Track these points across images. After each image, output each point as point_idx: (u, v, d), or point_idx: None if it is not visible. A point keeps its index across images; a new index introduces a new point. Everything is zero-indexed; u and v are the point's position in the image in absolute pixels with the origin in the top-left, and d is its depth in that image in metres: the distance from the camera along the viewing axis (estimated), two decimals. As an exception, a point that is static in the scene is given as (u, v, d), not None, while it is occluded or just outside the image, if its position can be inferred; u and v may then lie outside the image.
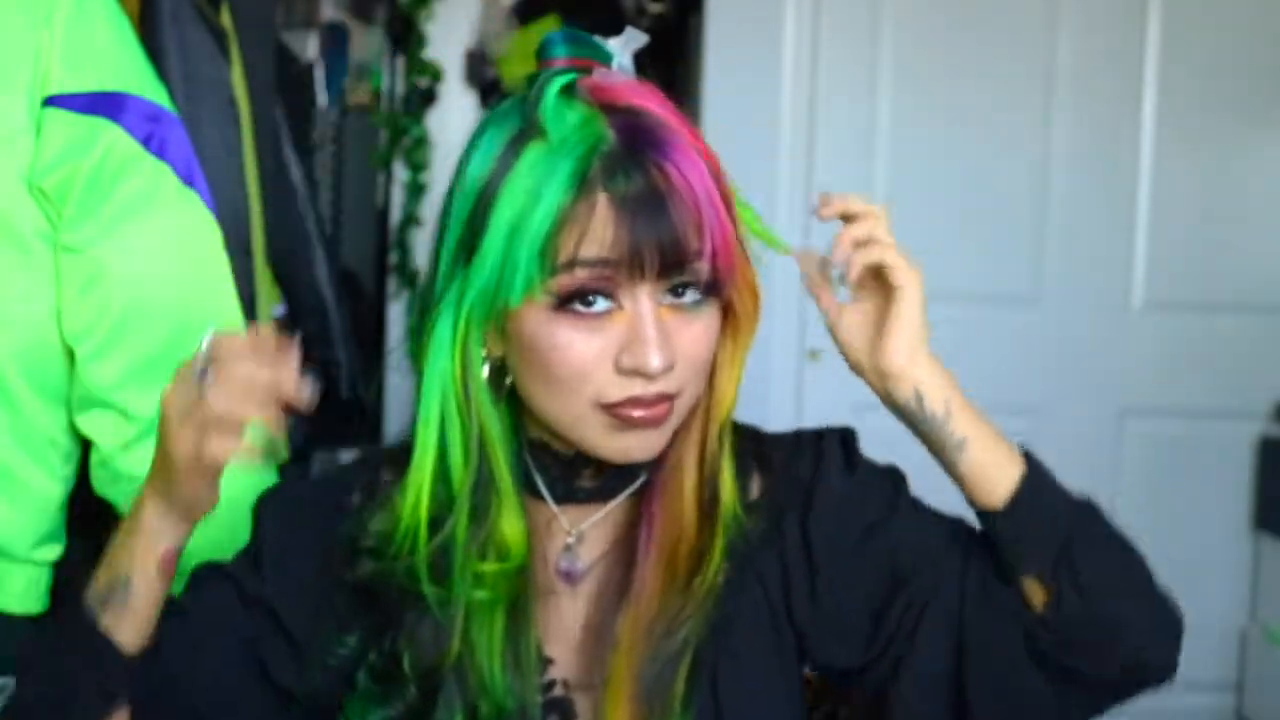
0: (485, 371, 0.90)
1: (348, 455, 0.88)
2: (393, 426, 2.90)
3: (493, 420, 0.90)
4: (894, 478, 0.97)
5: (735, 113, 2.83)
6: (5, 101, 1.12)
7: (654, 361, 0.84)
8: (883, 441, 1.01)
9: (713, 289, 0.87)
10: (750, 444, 0.98)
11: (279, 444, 0.87)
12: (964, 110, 2.87)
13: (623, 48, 0.91)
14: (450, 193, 0.90)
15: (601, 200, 0.83)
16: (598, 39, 0.92)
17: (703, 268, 0.85)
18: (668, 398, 0.87)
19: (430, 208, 3.19)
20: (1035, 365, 2.91)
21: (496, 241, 0.85)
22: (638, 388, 0.85)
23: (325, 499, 0.99)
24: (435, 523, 0.91)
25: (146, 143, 1.18)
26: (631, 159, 0.84)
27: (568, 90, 0.87)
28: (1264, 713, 2.91)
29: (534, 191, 0.84)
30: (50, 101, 1.13)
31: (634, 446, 0.88)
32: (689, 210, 0.84)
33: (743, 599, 0.93)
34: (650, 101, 0.87)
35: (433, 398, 0.90)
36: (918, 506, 0.96)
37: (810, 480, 0.95)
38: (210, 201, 1.24)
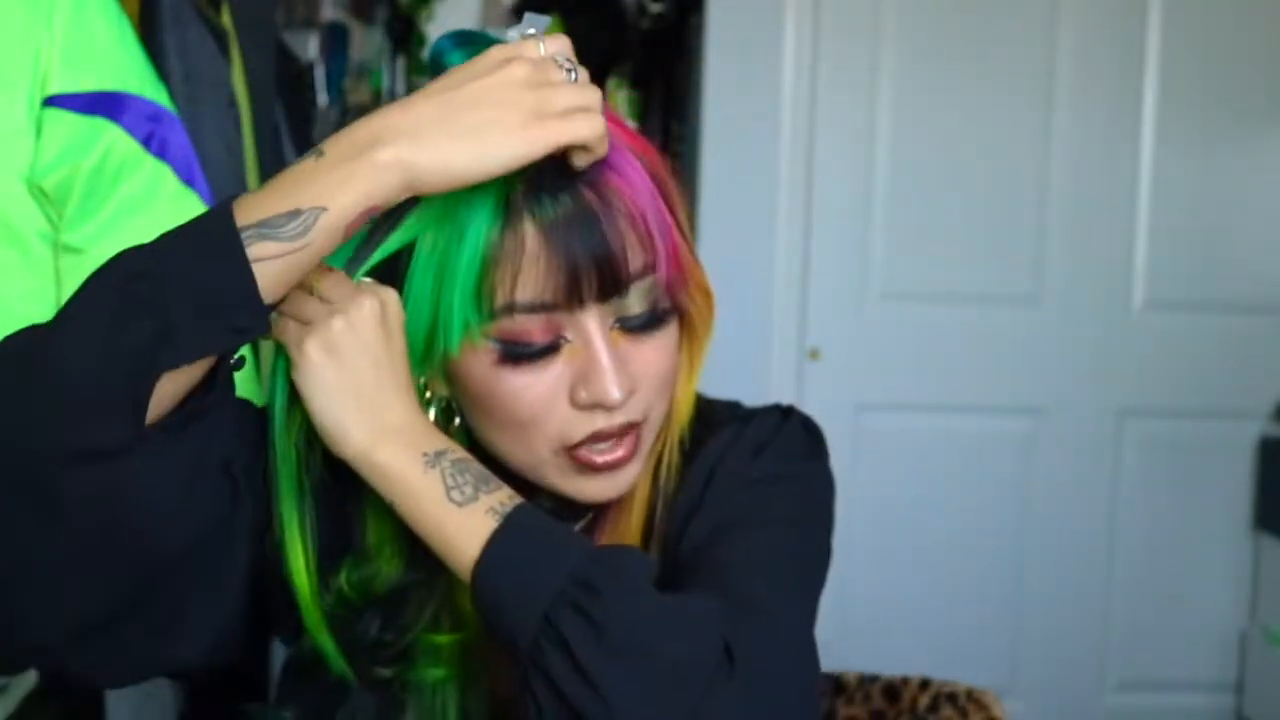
0: (431, 415, 0.82)
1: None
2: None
3: None
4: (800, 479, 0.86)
5: (735, 113, 2.82)
6: (5, 101, 1.12)
7: (613, 393, 0.77)
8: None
9: (665, 306, 0.80)
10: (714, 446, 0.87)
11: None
12: (964, 110, 2.87)
13: (519, 38, 0.77)
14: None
15: (529, 231, 0.75)
16: (492, 32, 0.82)
17: (652, 282, 0.78)
18: (633, 426, 0.80)
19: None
20: (1035, 365, 2.91)
21: (423, 285, 0.76)
22: (600, 421, 0.78)
23: None
24: (381, 596, 0.83)
25: (147, 143, 1.17)
26: (558, 177, 0.75)
27: None
28: (1264, 713, 2.91)
29: (455, 226, 0.75)
30: (50, 101, 1.13)
31: (604, 488, 0.81)
32: (628, 221, 0.76)
33: None
34: None
35: None
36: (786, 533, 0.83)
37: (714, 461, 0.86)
38: (210, 201, 1.24)
